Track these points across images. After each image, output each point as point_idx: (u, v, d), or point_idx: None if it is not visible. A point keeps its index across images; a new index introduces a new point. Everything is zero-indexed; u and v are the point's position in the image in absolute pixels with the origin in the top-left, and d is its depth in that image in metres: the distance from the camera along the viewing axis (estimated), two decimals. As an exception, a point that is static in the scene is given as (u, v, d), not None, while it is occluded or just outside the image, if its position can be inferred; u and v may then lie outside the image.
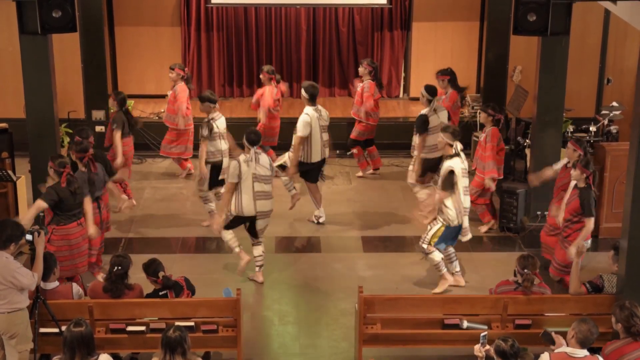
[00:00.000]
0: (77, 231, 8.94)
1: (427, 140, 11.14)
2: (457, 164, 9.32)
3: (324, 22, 14.90)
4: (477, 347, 6.76)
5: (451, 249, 9.80)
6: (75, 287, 8.07)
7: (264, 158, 9.64)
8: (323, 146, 11.08)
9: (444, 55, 14.41)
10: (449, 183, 9.27)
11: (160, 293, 7.99)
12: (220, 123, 10.84)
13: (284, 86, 12.80)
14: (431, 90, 11.31)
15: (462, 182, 9.37)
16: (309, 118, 10.85)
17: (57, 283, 7.97)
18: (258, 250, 9.90)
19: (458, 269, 9.89)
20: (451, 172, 9.29)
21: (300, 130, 10.85)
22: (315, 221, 11.47)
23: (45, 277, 7.83)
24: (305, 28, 14.86)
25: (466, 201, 9.47)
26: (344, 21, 14.90)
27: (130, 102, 13.56)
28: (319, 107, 11.03)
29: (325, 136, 11.08)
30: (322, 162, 11.22)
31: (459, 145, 9.41)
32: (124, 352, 8.23)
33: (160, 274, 7.95)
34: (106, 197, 9.96)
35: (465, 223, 9.52)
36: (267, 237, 10.82)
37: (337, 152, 13.88)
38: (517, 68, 13.99)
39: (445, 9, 14.51)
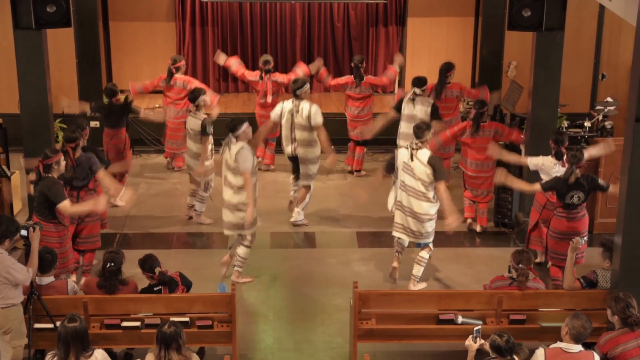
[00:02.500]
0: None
1: (400, 127, 11.40)
2: (401, 153, 9.36)
3: (319, 18, 14.89)
4: (469, 338, 6.79)
5: (423, 253, 9.62)
6: (70, 283, 8.05)
7: (234, 148, 9.38)
8: (292, 142, 10.95)
9: (439, 51, 14.41)
10: (388, 165, 9.59)
11: (155, 289, 7.99)
12: (188, 121, 10.98)
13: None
14: (413, 81, 11.41)
15: (400, 175, 9.35)
16: (280, 107, 10.98)
17: (52, 278, 7.96)
18: (238, 251, 9.76)
19: (414, 272, 9.64)
20: (393, 157, 9.49)
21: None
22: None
23: (45, 270, 7.84)
24: (300, 23, 14.85)
25: (405, 200, 9.33)
26: (339, 16, 14.90)
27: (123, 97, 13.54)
28: (303, 104, 10.83)
29: (300, 135, 10.88)
30: (296, 159, 11.05)
31: (415, 143, 9.28)
32: (118, 347, 8.22)
33: (157, 269, 7.94)
34: (99, 190, 9.97)
35: (406, 223, 9.41)
36: (262, 232, 10.82)
37: (332, 147, 13.89)
38: (512, 63, 14.01)
39: (440, 5, 14.51)
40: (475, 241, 10.94)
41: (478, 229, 11.10)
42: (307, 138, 10.91)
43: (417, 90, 11.28)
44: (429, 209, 9.33)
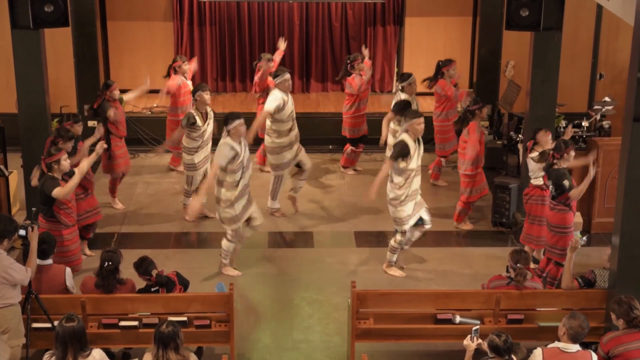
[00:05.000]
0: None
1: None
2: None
3: (317, 17, 14.89)
4: (467, 338, 6.79)
5: (391, 240, 9.93)
6: (69, 272, 8.09)
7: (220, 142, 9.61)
8: None
9: (437, 51, 14.41)
10: None
11: (152, 289, 7.98)
12: None
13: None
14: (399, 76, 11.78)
15: None
16: None
17: (51, 261, 7.99)
18: (222, 243, 9.89)
19: (387, 256, 10.05)
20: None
21: None
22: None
23: (45, 255, 7.91)
24: (298, 23, 14.85)
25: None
26: (336, 16, 14.90)
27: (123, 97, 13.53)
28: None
29: None
30: None
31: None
32: (116, 347, 8.23)
33: (154, 272, 7.92)
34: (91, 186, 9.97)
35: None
36: (260, 231, 10.82)
37: (330, 147, 13.91)
38: (510, 63, 14.00)
39: (438, 4, 14.52)
40: (472, 241, 10.94)
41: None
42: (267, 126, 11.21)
43: (399, 85, 11.60)
44: (389, 191, 9.62)
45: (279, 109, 10.89)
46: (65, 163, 9.01)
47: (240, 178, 9.44)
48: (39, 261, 7.89)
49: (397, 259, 9.97)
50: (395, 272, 10.00)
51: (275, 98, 10.90)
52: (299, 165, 11.36)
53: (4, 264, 7.40)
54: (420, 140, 9.54)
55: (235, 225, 9.64)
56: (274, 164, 11.22)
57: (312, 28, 14.93)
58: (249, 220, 9.76)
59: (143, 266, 7.95)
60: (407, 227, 9.68)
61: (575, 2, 12.91)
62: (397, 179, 9.47)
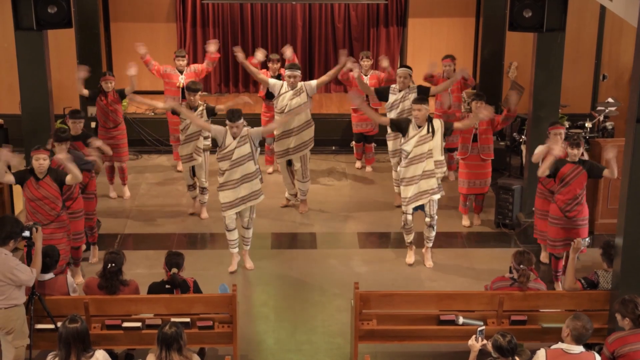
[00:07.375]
0: None
1: None
2: None
3: (320, 18, 14.90)
4: (472, 338, 6.80)
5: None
6: (70, 279, 8.08)
7: None
8: None
9: (440, 52, 14.37)
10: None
11: (167, 286, 7.95)
12: None
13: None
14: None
15: None
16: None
17: (52, 275, 7.99)
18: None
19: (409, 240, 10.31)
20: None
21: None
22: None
23: (48, 269, 7.90)
24: (301, 24, 14.85)
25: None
26: (339, 17, 14.90)
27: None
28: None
29: None
30: None
31: None
32: (119, 348, 8.22)
33: (173, 270, 7.90)
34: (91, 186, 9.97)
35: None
36: (263, 232, 10.85)
37: (334, 147, 13.91)
38: (513, 64, 14.01)
39: (441, 5, 14.52)
40: (475, 242, 10.93)
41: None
42: None
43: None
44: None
45: (274, 91, 11.20)
46: (37, 163, 8.71)
47: (226, 169, 9.64)
48: (39, 276, 7.85)
49: (411, 240, 10.21)
50: (408, 257, 10.26)
51: (275, 81, 11.32)
52: (291, 163, 11.50)
53: (10, 264, 7.42)
54: (437, 132, 9.70)
55: (223, 213, 9.85)
56: (275, 152, 11.58)
57: (315, 29, 14.94)
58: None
59: (171, 259, 7.95)
60: (405, 209, 9.98)
61: (578, 4, 12.92)
62: (401, 157, 10.01)
